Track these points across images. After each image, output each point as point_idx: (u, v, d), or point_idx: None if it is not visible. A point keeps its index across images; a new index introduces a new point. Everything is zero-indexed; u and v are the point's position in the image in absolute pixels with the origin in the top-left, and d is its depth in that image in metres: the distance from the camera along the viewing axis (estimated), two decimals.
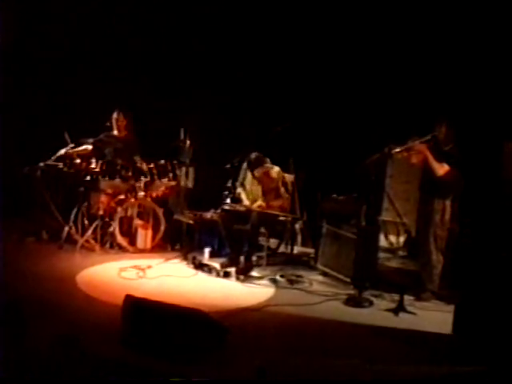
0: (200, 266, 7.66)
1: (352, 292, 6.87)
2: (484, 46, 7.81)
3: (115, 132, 8.77)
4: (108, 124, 8.74)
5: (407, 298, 6.55)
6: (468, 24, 7.91)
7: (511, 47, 7.57)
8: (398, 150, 6.80)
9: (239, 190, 8.22)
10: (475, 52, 7.89)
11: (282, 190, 8.05)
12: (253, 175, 8.05)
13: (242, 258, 7.66)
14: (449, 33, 8.09)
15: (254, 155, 7.89)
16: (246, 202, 8.10)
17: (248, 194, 8.21)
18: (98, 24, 9.55)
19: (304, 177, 8.35)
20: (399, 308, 6.40)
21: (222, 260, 7.76)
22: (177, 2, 9.49)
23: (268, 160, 8.00)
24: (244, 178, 8.22)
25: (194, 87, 9.58)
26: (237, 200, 8.15)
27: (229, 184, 8.11)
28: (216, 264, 7.63)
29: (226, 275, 7.39)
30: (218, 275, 7.43)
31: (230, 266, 7.55)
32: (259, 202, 8.03)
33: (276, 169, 8.06)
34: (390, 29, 8.55)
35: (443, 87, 8.05)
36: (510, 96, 7.48)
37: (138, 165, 8.59)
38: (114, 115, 8.77)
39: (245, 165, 8.16)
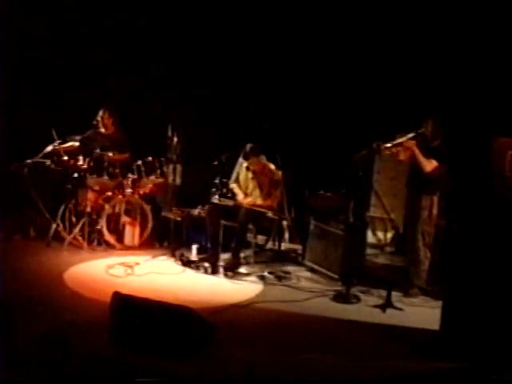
0: (188, 263, 7.66)
1: (340, 288, 6.89)
2: (471, 43, 7.83)
3: (102, 130, 8.73)
4: (95, 122, 8.71)
5: (395, 294, 6.56)
6: (455, 21, 7.94)
7: (498, 44, 7.60)
8: (386, 146, 6.80)
9: (233, 185, 8.18)
10: (463, 48, 7.91)
11: (274, 189, 8.02)
12: (247, 168, 8.02)
13: (230, 255, 7.67)
14: (436, 29, 8.10)
15: (249, 146, 7.86)
16: (241, 196, 8.07)
17: (241, 188, 8.17)
18: (85, 23, 9.51)
19: (291, 173, 8.35)
20: (387, 304, 6.41)
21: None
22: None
23: (264, 157, 7.99)
24: (238, 173, 8.19)
25: (182, 84, 9.56)
26: (226, 196, 8.12)
27: (216, 181, 8.08)
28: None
29: (214, 272, 7.39)
30: (205, 272, 7.43)
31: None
32: (250, 199, 8.01)
33: (272, 166, 8.05)
34: (377, 26, 8.55)
35: (431, 83, 8.07)
36: (499, 91, 7.51)
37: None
38: (100, 113, 8.72)
39: (240, 159, 8.13)
